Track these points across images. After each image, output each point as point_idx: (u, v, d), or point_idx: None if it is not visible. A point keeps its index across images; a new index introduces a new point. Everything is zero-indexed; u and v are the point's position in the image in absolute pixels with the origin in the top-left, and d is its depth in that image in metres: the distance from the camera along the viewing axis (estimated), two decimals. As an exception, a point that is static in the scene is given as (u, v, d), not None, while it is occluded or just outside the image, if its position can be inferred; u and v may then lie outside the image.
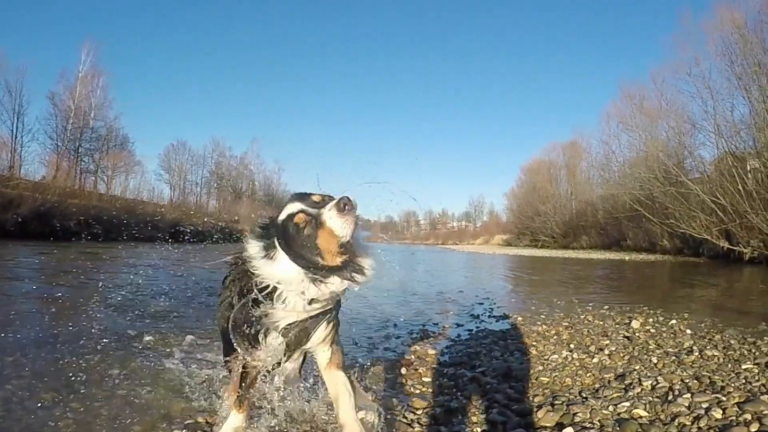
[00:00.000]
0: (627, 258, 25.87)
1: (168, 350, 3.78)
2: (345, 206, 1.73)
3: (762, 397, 2.68)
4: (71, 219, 22.07)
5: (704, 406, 2.62)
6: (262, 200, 53.98)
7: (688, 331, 4.79)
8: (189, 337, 4.14)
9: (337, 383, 2.08)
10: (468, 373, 3.59)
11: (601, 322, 5.41)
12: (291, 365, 2.31)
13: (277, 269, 1.78)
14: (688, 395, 2.77)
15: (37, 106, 42.27)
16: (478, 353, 4.21)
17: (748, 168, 20.60)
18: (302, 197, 1.87)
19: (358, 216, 1.78)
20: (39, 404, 2.52)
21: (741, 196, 19.84)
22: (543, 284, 12.84)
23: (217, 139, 54.61)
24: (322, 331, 2.02)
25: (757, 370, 3.31)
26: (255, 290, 1.84)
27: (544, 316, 6.03)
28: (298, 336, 1.96)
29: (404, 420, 2.65)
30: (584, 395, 2.96)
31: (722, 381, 3.07)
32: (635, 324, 5.12)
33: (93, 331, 4.09)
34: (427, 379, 3.51)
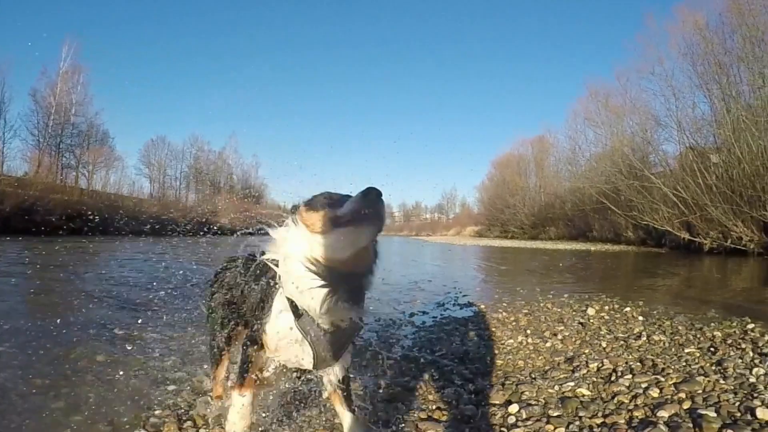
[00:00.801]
0: (593, 248, 26.60)
1: (150, 340, 3.89)
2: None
3: (698, 378, 2.86)
4: (53, 214, 22.23)
5: (643, 385, 2.78)
6: (240, 194, 54.31)
7: (640, 318, 5.01)
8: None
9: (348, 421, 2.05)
10: (428, 356, 3.71)
11: (559, 310, 5.59)
12: None
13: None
14: (630, 376, 2.94)
15: (19, 103, 41.96)
16: (439, 338, 4.34)
17: (711, 163, 21.39)
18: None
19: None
20: (32, 390, 2.68)
21: (701, 190, 20.59)
22: (509, 274, 13.11)
23: (196, 135, 55.65)
24: None
25: (698, 354, 3.51)
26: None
27: (505, 304, 6.20)
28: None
29: (366, 397, 2.74)
30: (533, 376, 3.11)
31: (664, 363, 3.25)
32: (591, 311, 5.33)
33: (78, 321, 4.28)
34: (390, 363, 3.61)
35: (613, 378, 2.96)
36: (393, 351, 3.92)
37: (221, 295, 2.26)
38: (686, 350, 3.61)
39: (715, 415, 2.33)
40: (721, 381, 2.83)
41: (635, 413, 2.42)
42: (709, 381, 2.82)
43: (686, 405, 2.48)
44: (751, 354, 3.41)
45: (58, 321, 4.21)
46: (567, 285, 9.30)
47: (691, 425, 2.24)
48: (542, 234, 43.48)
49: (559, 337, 4.20)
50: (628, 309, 5.50)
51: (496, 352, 3.87)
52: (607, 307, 5.65)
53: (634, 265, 16.21)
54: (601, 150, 33.74)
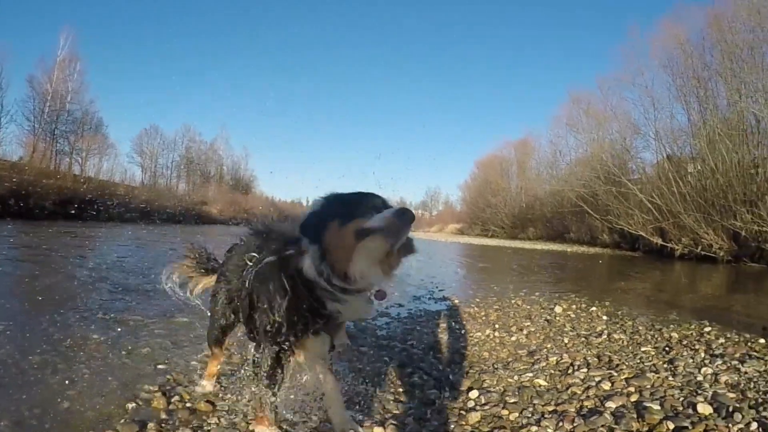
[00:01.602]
0: (569, 250, 27.07)
1: (142, 323, 4.04)
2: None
3: (648, 374, 3.06)
4: (47, 199, 22.50)
5: (597, 379, 2.96)
6: (230, 184, 57.87)
7: (604, 317, 5.23)
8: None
9: (328, 379, 2.17)
10: (400, 345, 3.87)
11: (528, 307, 5.79)
12: None
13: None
14: (586, 370, 3.13)
15: (16, 89, 43.52)
16: (412, 329, 4.50)
17: (686, 172, 21.98)
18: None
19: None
20: (33, 365, 2.82)
21: (675, 198, 21.11)
22: (486, 271, 13.35)
23: (188, 125, 56.62)
24: None
25: (653, 352, 3.71)
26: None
27: (478, 300, 6.39)
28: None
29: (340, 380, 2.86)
30: (496, 366, 3.29)
31: (619, 360, 3.44)
32: (558, 309, 5.53)
33: (72, 304, 4.45)
34: (364, 350, 3.74)
35: (569, 371, 3.14)
36: (368, 339, 4.05)
37: (231, 288, 2.30)
38: (642, 349, 3.81)
39: (659, 407, 2.51)
40: (670, 378, 3.02)
41: (585, 403, 2.60)
42: (658, 377, 3.02)
43: (634, 398, 2.66)
44: (702, 355, 3.62)
45: (53, 304, 4.42)
46: (540, 284, 9.52)
47: (634, 415, 2.41)
48: (521, 234, 44.06)
49: (525, 332, 4.39)
50: (594, 309, 5.72)
51: (464, 343, 4.03)
52: (574, 306, 5.86)
53: (607, 267, 16.60)
54: (581, 155, 34.40)
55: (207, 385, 2.63)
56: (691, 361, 3.42)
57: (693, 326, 4.81)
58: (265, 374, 1.96)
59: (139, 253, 9.30)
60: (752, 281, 11.74)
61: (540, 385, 2.90)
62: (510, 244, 33.40)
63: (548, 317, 5.12)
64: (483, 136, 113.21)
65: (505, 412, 2.52)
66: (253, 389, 2.14)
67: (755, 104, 17.99)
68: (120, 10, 70.68)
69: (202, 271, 2.84)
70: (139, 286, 5.73)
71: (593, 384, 2.87)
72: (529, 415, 2.48)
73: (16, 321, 3.80)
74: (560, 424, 2.35)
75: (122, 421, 2.22)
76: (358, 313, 1.91)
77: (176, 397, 2.51)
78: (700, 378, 3.03)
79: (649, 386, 2.87)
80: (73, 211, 20.51)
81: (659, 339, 4.23)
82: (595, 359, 3.43)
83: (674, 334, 4.37)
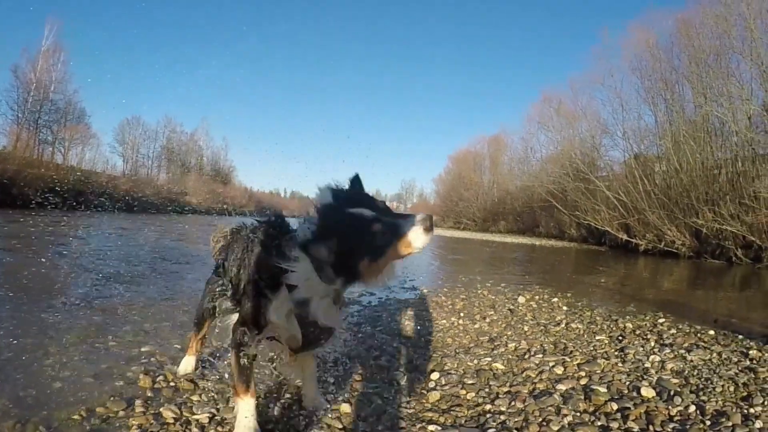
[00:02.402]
0: (537, 243, 27.67)
1: (128, 310, 4.13)
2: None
3: (599, 361, 3.23)
4: (30, 188, 22.03)
5: (551, 364, 3.12)
6: (209, 174, 58.48)
7: (565, 308, 5.43)
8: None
9: (309, 362, 2.32)
10: (369, 330, 3.99)
11: (493, 297, 5.97)
12: None
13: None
14: (541, 356, 3.29)
15: (0, 79, 41.11)
16: (381, 316, 4.62)
17: (651, 171, 22.73)
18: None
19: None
20: (24, 350, 2.93)
21: (641, 196, 21.83)
22: (457, 263, 13.55)
23: (169, 116, 56.96)
24: None
25: (607, 341, 3.90)
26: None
27: (446, 290, 6.54)
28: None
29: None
30: (458, 351, 3.44)
31: (574, 347, 3.62)
32: (521, 300, 5.72)
33: (59, 291, 4.62)
34: (335, 334, 3.85)
35: (526, 356, 3.31)
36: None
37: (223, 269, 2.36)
38: (597, 337, 4.01)
39: (605, 390, 2.67)
40: (620, 364, 3.21)
41: (538, 385, 2.76)
42: (608, 363, 3.19)
43: (583, 381, 2.83)
44: (653, 344, 3.82)
45: (40, 292, 4.51)
46: (507, 275, 9.76)
47: (582, 397, 2.58)
48: (492, 227, 44.82)
49: (488, 320, 4.55)
50: (555, 300, 5.93)
51: (430, 330, 4.17)
52: (537, 297, 6.06)
53: (573, 260, 17.03)
54: (551, 152, 35.34)
55: (190, 360, 2.74)
56: (641, 349, 3.61)
57: (648, 317, 5.03)
58: (238, 337, 2.01)
59: (121, 242, 9.46)
60: (712, 277, 12.21)
61: (497, 369, 3.06)
62: (481, 237, 33.95)
63: (511, 307, 5.30)
64: (458, 132, 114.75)
65: (463, 392, 2.69)
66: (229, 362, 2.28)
67: (719, 108, 18.67)
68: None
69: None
70: (121, 274, 5.87)
71: (547, 368, 3.04)
72: (485, 395, 2.64)
73: (4, 308, 3.92)
74: (512, 403, 2.51)
75: (111, 398, 2.34)
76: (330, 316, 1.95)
77: (160, 377, 2.63)
78: (647, 365, 3.22)
79: (599, 371, 3.04)
80: (55, 201, 20.40)
81: (614, 329, 4.43)
82: (552, 346, 3.61)
83: (629, 325, 4.57)
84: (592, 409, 2.47)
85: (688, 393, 2.67)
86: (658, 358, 3.36)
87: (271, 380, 2.62)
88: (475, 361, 3.18)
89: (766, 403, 2.53)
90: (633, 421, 2.31)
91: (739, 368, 3.18)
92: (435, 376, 2.93)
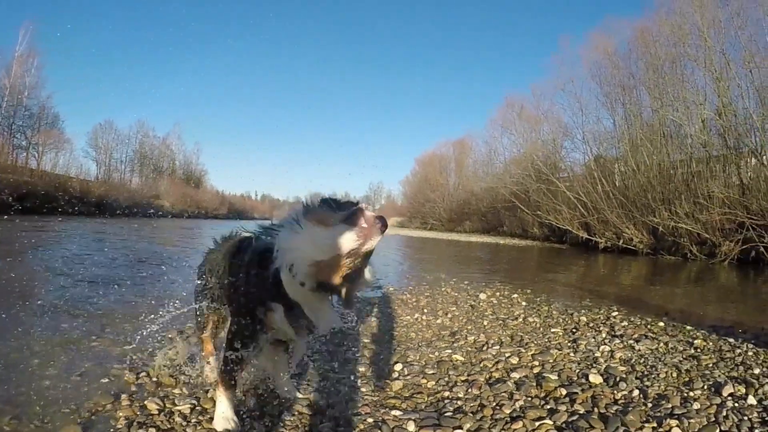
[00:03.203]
0: (502, 242, 28.29)
1: (109, 311, 4.22)
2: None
3: (552, 351, 3.41)
4: (4, 193, 21.90)
5: (507, 354, 3.29)
6: (182, 178, 59.45)
7: (523, 303, 5.64)
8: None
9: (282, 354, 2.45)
10: (337, 326, 4.06)
11: (456, 294, 6.14)
12: None
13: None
14: (498, 347, 3.46)
15: None
16: (349, 313, 4.70)
17: (610, 172, 23.58)
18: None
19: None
20: (10, 350, 3.01)
21: (600, 196, 22.60)
22: (423, 262, 13.77)
23: (142, 120, 56.96)
24: None
25: (561, 333, 4.10)
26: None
27: (411, 288, 6.67)
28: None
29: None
30: (420, 345, 3.59)
31: (530, 339, 3.80)
32: (483, 296, 5.90)
33: (38, 295, 4.74)
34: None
35: (484, 348, 3.47)
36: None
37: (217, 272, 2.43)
38: (552, 330, 4.20)
39: (556, 377, 2.85)
40: (571, 354, 3.39)
41: (494, 374, 2.92)
42: (561, 353, 3.38)
43: (536, 370, 3.00)
44: (604, 335, 4.04)
45: (19, 296, 4.53)
46: (470, 273, 9.95)
47: (534, 384, 2.74)
48: (458, 227, 45.52)
49: (450, 316, 4.70)
50: (515, 296, 6.14)
51: (394, 325, 4.30)
52: (498, 294, 6.26)
53: (536, 258, 17.50)
54: (515, 155, 36.22)
55: (211, 361, 2.73)
56: (593, 340, 3.82)
57: (602, 311, 5.28)
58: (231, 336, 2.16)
59: (97, 246, 9.52)
60: (668, 272, 12.75)
61: (457, 360, 3.22)
62: (447, 237, 34.41)
63: (473, 303, 5.47)
64: (424, 135, 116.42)
65: (424, 381, 2.84)
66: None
67: (675, 112, 19.47)
68: (76, 3, 66.46)
69: None
70: (99, 277, 5.92)
71: (503, 359, 3.20)
72: (444, 384, 2.79)
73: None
74: (469, 390, 2.66)
75: (99, 393, 2.44)
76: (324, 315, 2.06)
77: (143, 373, 2.73)
78: (597, 354, 3.41)
79: (551, 361, 3.22)
80: (30, 206, 20.48)
81: (569, 322, 4.64)
82: (509, 339, 3.78)
83: (583, 318, 4.78)
84: (543, 394, 2.63)
85: (633, 379, 2.86)
86: (608, 348, 3.56)
87: (247, 373, 2.69)
88: (436, 353, 3.33)
89: (705, 387, 2.73)
90: (579, 404, 2.48)
91: (684, 356, 3.40)
92: (398, 367, 3.08)
